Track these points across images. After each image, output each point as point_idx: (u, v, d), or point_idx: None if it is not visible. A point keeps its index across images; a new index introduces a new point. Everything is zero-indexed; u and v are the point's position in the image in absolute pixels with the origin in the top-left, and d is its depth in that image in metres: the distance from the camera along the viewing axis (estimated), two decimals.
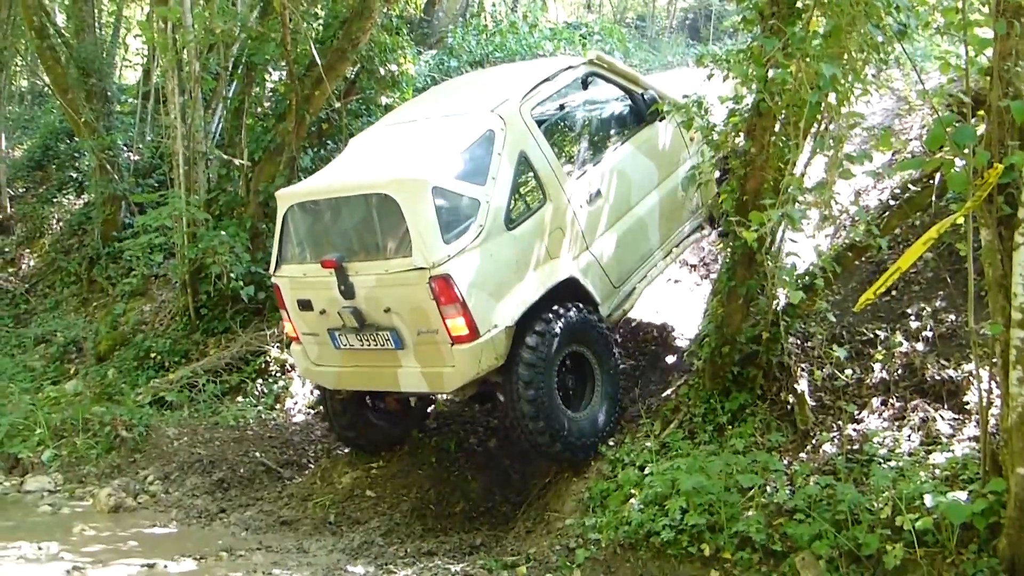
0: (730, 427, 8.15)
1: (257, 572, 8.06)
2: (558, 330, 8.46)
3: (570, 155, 9.74)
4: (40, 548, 8.79)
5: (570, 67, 9.72)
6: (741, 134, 7.85)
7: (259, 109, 15.82)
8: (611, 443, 8.84)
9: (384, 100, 15.33)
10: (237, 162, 14.16)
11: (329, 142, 15.14)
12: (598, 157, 9.63)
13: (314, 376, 9.53)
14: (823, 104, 6.97)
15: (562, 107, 10.20)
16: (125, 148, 17.58)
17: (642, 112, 9.92)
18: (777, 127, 7.56)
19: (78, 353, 15.26)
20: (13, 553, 8.65)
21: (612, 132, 10.10)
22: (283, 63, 14.58)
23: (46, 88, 21.83)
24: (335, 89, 14.24)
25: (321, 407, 10.32)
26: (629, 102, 10.06)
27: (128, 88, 21.84)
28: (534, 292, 8.51)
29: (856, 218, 8.65)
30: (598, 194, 9.32)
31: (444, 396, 9.92)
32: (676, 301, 11.40)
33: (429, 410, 10.71)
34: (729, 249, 8.14)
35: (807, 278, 7.85)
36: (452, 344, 8.20)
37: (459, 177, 8.38)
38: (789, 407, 8.13)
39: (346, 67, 14.05)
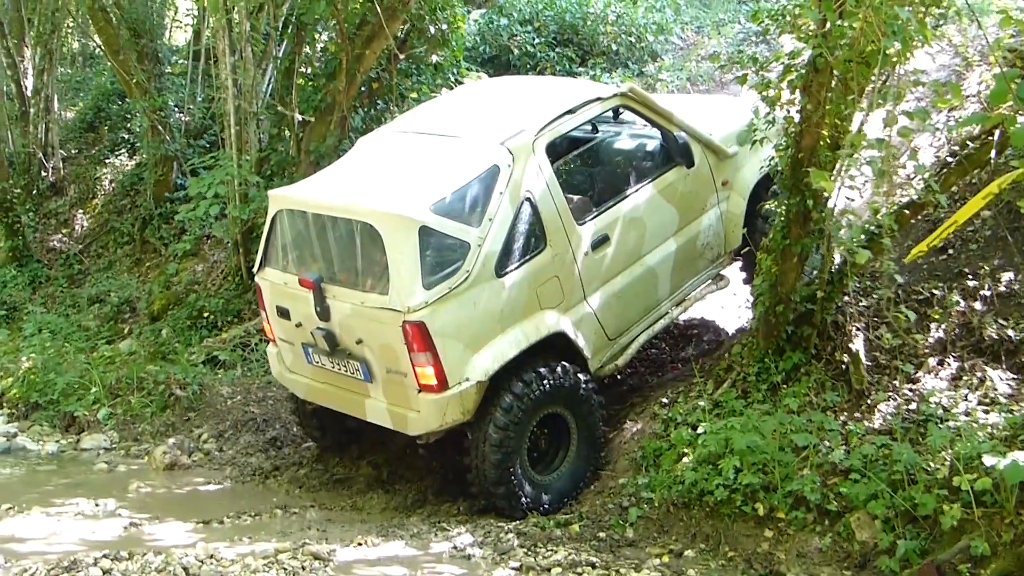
0: (784, 386, 8.09)
1: (312, 528, 8.14)
2: (537, 392, 8.05)
3: (581, 196, 9.21)
4: (97, 505, 8.93)
5: (599, 99, 8.91)
6: (797, 91, 7.73)
7: (309, 69, 15.82)
8: (664, 401, 8.82)
9: (434, 59, 15.27)
10: (296, 116, 14.11)
11: (380, 101, 15.12)
12: (612, 200, 8.92)
13: (286, 382, 9.17)
14: (884, 57, 6.81)
15: (581, 142, 9.73)
16: (176, 109, 17.67)
17: (672, 153, 9.16)
18: (833, 83, 7.45)
19: (132, 313, 15.41)
20: (71, 509, 8.79)
21: (633, 173, 9.41)
22: (333, 22, 14.55)
23: (98, 50, 21.91)
24: (385, 48, 14.19)
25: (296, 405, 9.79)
26: (659, 140, 9.33)
27: (179, 49, 21.88)
28: (515, 347, 8.01)
29: (913, 175, 8.53)
30: (605, 240, 8.65)
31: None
32: None
33: None
34: (783, 207, 8.04)
35: (863, 236, 7.75)
36: (419, 391, 7.82)
37: (452, 216, 7.83)
38: (844, 367, 8.07)
39: (396, 26, 13.97)
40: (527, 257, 8.15)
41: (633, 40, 17.28)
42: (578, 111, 8.77)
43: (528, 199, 8.16)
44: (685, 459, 7.78)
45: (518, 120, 8.60)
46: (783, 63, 7.94)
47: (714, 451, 7.51)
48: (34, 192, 19.54)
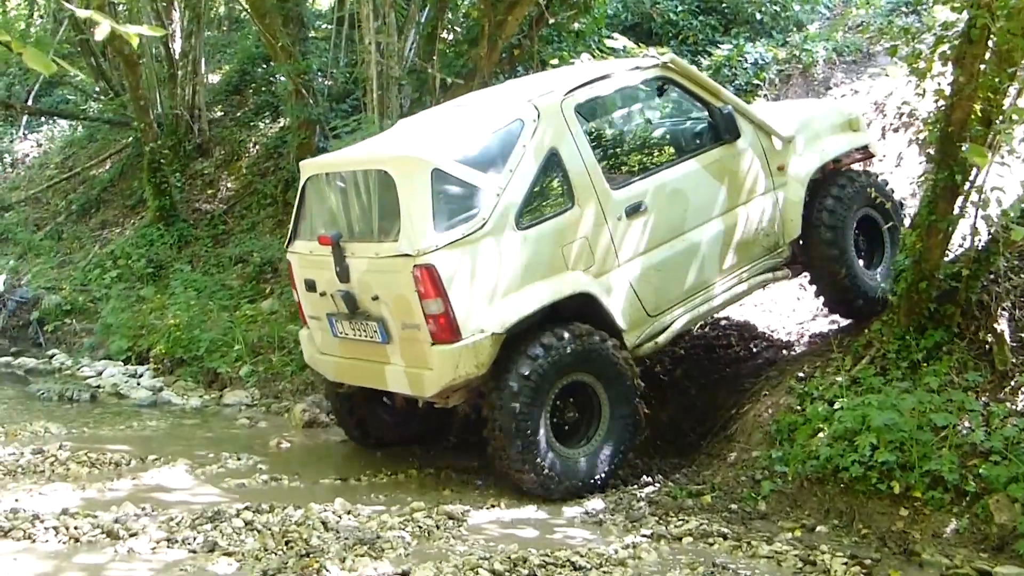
0: (924, 365, 7.94)
1: (445, 489, 8.28)
2: (560, 355, 7.79)
3: (616, 161, 9.19)
4: (239, 459, 9.17)
5: (637, 68, 8.83)
6: (949, 63, 7.56)
7: (451, 34, 15.90)
8: (800, 376, 8.74)
9: (576, 26, 15.21)
10: (438, 80, 14.19)
11: (521, 68, 15.15)
12: (651, 168, 8.82)
13: (317, 364, 9.10)
14: None
15: (618, 108, 9.60)
16: (320, 73, 17.90)
17: (719, 128, 8.90)
18: (987, 55, 7.27)
19: (273, 273, 15.69)
20: (214, 462, 9.04)
21: (676, 145, 9.30)
22: None
23: (244, 13, 22.35)
24: (528, 14, 14.20)
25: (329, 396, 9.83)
26: (705, 115, 9.10)
27: (323, 13, 22.19)
28: (536, 302, 7.79)
29: None
30: (641, 208, 8.39)
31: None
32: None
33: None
34: (931, 182, 7.88)
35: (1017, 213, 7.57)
36: (432, 344, 7.65)
37: (470, 164, 7.78)
38: (987, 347, 7.89)
39: None
40: (552, 214, 8.06)
41: (778, 9, 16.98)
42: (613, 77, 8.73)
43: (554, 155, 8.07)
44: (820, 434, 7.70)
45: (551, 84, 8.63)
46: (935, 34, 7.77)
47: (850, 427, 7.41)
48: (181, 153, 20.02)
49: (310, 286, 8.58)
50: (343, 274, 8.06)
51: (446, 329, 7.55)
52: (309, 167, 8.77)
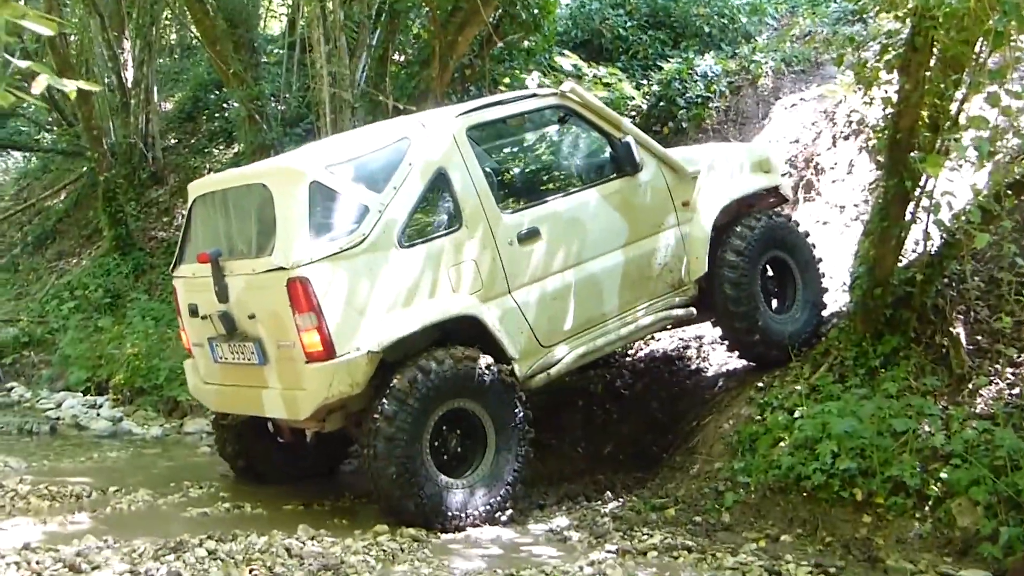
0: (882, 370, 8.00)
1: None
2: (439, 379, 7.47)
3: (511, 186, 9.17)
4: (201, 487, 9.09)
5: (534, 95, 8.80)
6: (894, 71, 7.63)
7: (403, 56, 15.90)
8: (760, 385, 8.76)
9: (526, 44, 15.26)
10: (390, 104, 14.20)
11: (473, 88, 15.16)
12: (547, 196, 8.68)
13: (200, 395, 8.91)
14: (997, 36, 6.60)
15: (515, 135, 9.62)
16: (272, 98, 17.82)
17: (621, 160, 8.70)
18: (932, 62, 7.35)
19: None
20: (177, 491, 8.96)
21: (575, 174, 9.27)
22: (426, 9, 14.62)
23: (195, 40, 22.27)
24: (478, 35, 14.23)
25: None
26: (606, 146, 8.93)
27: (274, 38, 22.16)
28: (417, 322, 7.54)
29: (1019, 155, 8.35)
30: (534, 233, 8.21)
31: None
32: (823, 244, 11.14)
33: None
34: (882, 188, 7.94)
35: (962, 219, 7.61)
36: (306, 361, 7.39)
37: (352, 178, 7.61)
38: (944, 351, 7.95)
39: (489, 12, 13.96)
40: (438, 234, 7.87)
41: (726, 21, 17.10)
42: (509, 103, 8.67)
43: (442, 175, 7.92)
44: (782, 444, 7.73)
45: (451, 107, 8.63)
46: (880, 43, 7.84)
47: (811, 435, 7.44)
48: (136, 182, 19.94)
49: (193, 311, 8.35)
50: (222, 294, 7.83)
51: (320, 345, 7.34)
52: (195, 188, 8.59)
